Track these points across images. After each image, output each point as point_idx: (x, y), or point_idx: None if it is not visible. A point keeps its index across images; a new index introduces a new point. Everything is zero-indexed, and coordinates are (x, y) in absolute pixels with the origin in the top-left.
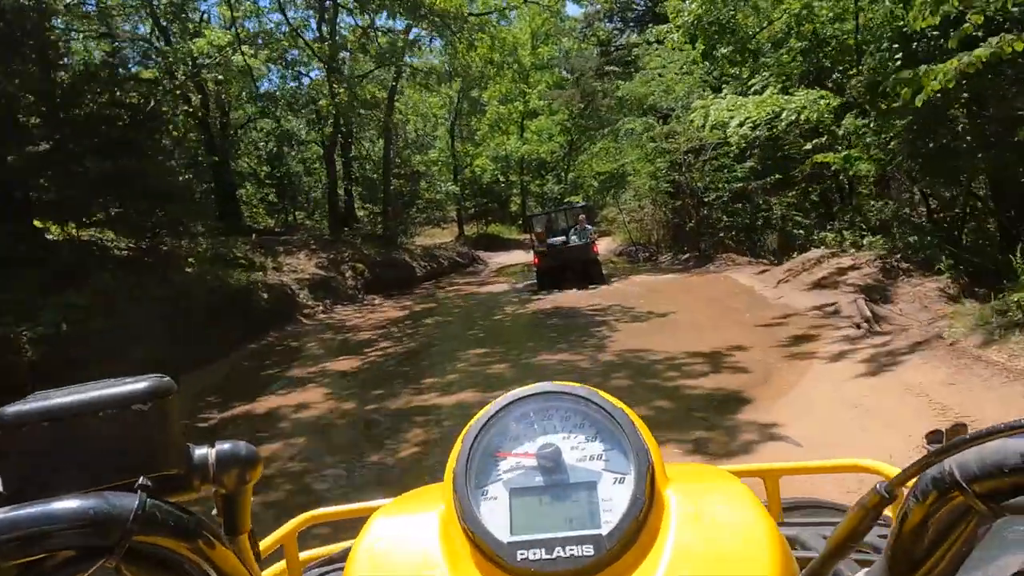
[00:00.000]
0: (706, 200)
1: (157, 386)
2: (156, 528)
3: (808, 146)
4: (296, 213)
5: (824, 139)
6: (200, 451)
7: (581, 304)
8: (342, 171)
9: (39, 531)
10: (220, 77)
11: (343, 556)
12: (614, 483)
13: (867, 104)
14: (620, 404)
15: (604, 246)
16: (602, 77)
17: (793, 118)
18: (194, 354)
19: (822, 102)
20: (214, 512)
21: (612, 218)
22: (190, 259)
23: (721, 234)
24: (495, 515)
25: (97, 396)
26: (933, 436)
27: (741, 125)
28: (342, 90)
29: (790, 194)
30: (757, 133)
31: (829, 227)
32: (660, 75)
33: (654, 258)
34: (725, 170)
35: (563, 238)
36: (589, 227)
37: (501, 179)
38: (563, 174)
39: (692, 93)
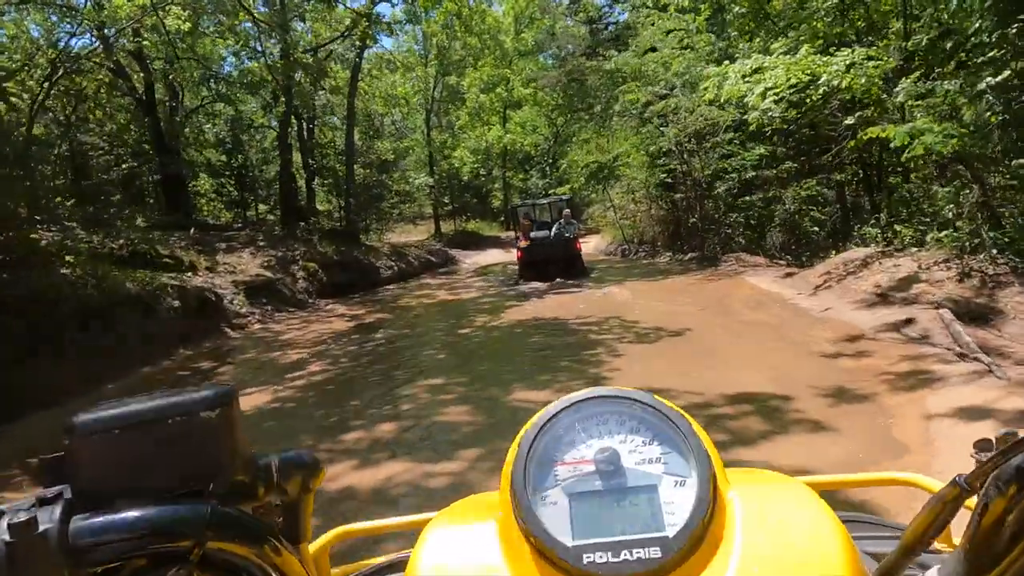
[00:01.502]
0: (712, 192)
1: (222, 393)
2: (228, 535)
3: (849, 120)
4: (259, 207)
5: (871, 111)
6: (264, 459)
7: (569, 314)
8: (300, 159)
9: (116, 538)
10: (145, 42)
11: (375, 572)
12: (675, 486)
13: (936, 64)
14: (677, 408)
15: (593, 245)
16: (592, 57)
17: (836, 83)
18: (44, 384)
19: (870, 64)
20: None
21: (600, 216)
22: (67, 256)
23: (728, 230)
24: (556, 520)
25: (167, 404)
26: (982, 444)
27: (764, 96)
28: (300, 55)
29: (808, 184)
30: (781, 108)
31: (874, 220)
32: (656, 48)
33: (651, 258)
34: (732, 157)
35: (547, 232)
36: (574, 221)
37: (481, 172)
38: (548, 168)
39: (694, 68)
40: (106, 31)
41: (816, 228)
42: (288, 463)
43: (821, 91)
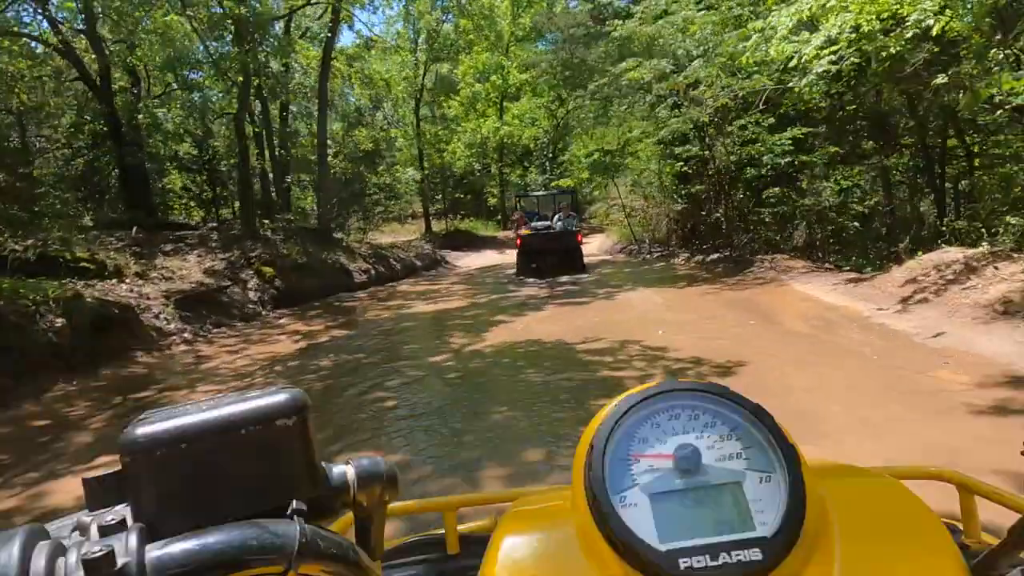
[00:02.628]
0: (739, 182)
1: (298, 398)
2: (318, 556)
3: (942, 79)
4: (234, 204)
5: (970, 66)
6: (338, 469)
7: (574, 334)
8: (266, 149)
9: (198, 567)
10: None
11: (408, 547)
12: (760, 482)
13: None
14: (754, 400)
15: (597, 244)
16: (594, 39)
17: (931, 23)
18: None
19: None
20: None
21: (604, 213)
22: None
23: (759, 227)
24: (639, 521)
25: (239, 411)
26: None
27: (820, 54)
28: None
29: (852, 171)
30: (845, 68)
31: (968, 212)
32: (668, 11)
33: (666, 259)
34: (756, 142)
35: (547, 223)
36: (574, 214)
37: (476, 166)
38: (548, 163)
39: (719, 33)
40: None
41: (856, 224)
42: (366, 474)
43: (908, 35)
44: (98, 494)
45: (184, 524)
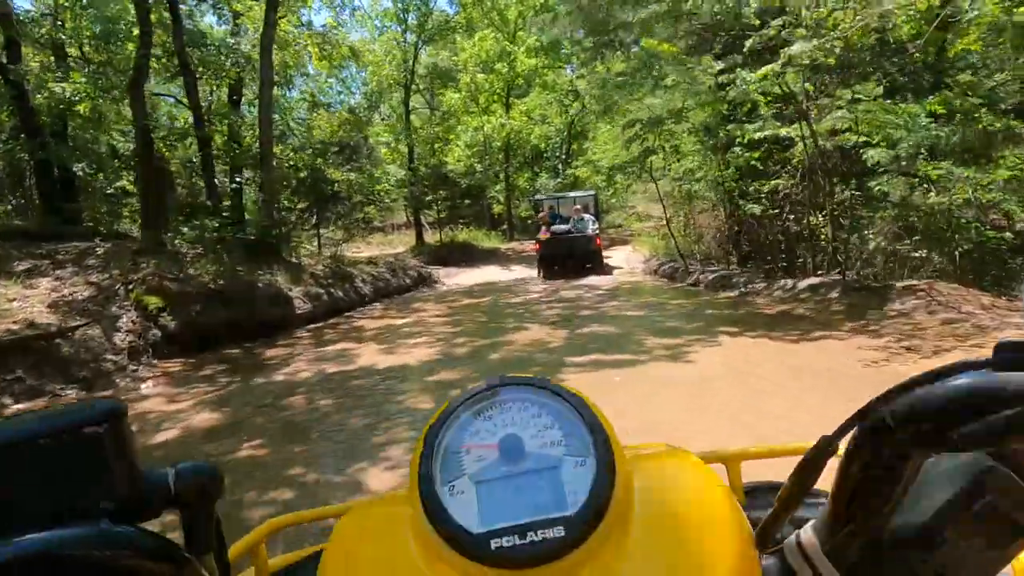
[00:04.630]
0: (850, 171)
1: (109, 408)
2: (124, 552)
3: None
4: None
5: None
6: (159, 471)
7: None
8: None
9: (1, 568)
10: None
11: (311, 559)
12: (575, 467)
13: None
14: (575, 390)
15: (623, 259)
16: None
17: None
18: None
19: None
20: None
21: (631, 220)
22: None
23: (878, 239)
24: (464, 508)
25: (45, 423)
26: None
27: None
28: None
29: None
30: None
31: None
32: None
33: (729, 283)
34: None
35: (567, 226)
36: (587, 216)
37: (478, 168)
38: (560, 166)
39: None
40: None
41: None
42: (185, 474)
43: None
44: None
45: None
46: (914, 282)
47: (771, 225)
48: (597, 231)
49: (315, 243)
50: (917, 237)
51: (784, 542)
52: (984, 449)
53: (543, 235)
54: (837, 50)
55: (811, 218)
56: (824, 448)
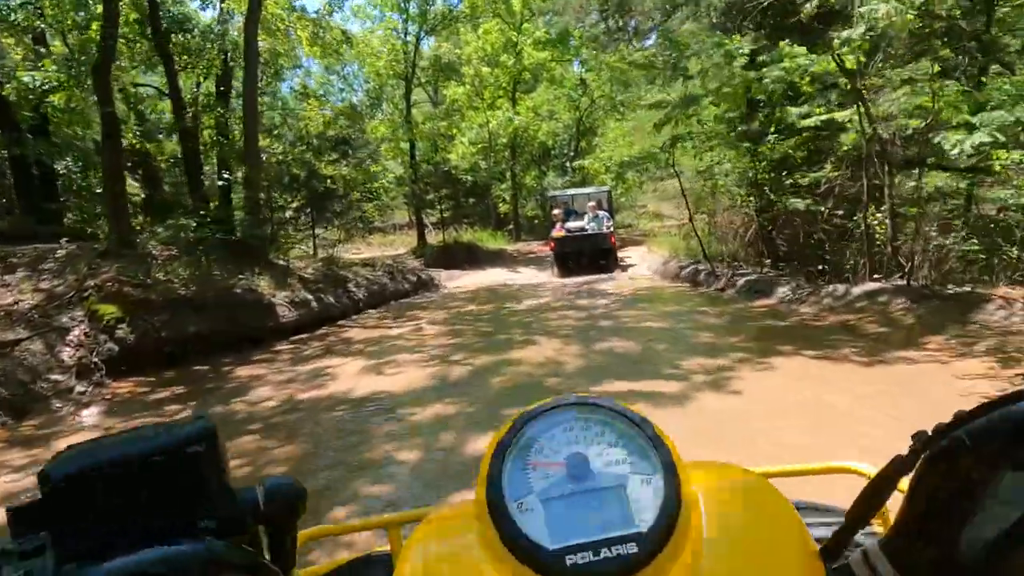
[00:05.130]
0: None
1: (206, 428)
2: (226, 570)
3: None
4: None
5: None
6: (249, 490)
7: None
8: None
9: None
10: None
11: (342, 569)
12: (642, 484)
13: None
14: (640, 411)
15: (637, 258)
16: None
17: None
18: None
19: None
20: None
21: (650, 214)
22: None
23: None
24: (534, 526)
25: (150, 443)
26: (919, 435)
27: None
28: None
29: None
30: None
31: None
32: None
33: (768, 290)
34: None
35: (582, 223)
36: (601, 213)
37: (483, 165)
38: (568, 164)
39: None
40: None
41: None
42: (273, 492)
43: None
44: (21, 523)
45: (103, 551)
46: (1008, 289)
47: (814, 222)
48: (611, 228)
49: (311, 244)
50: (987, 237)
51: (851, 557)
52: None
53: (557, 232)
54: (911, 16)
55: (866, 214)
56: (899, 467)
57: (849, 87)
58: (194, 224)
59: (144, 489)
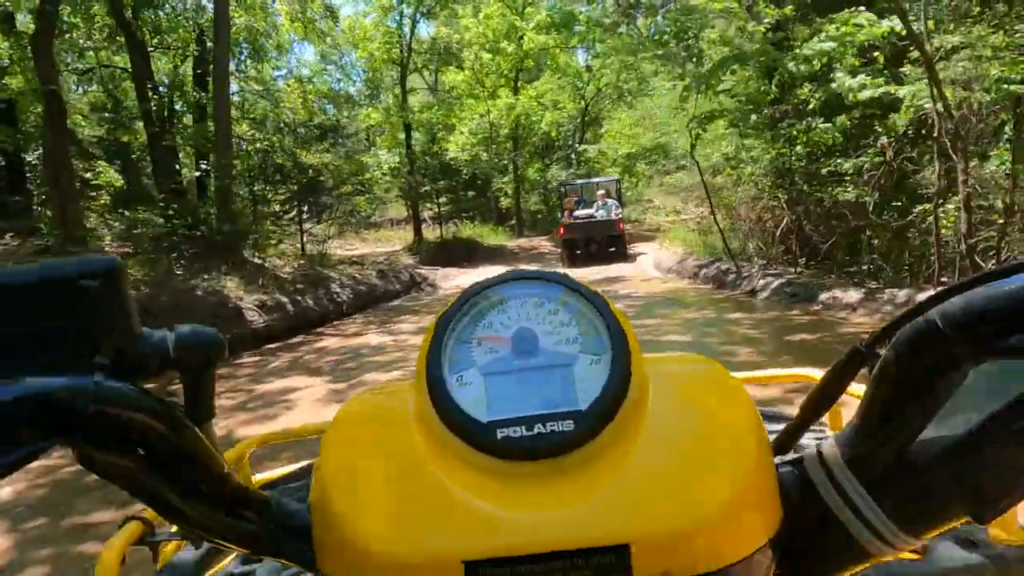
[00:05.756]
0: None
1: (105, 263)
2: (116, 407)
3: None
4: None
5: None
6: (158, 333)
7: None
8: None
9: None
10: None
11: (299, 475)
12: (590, 364)
13: None
14: (596, 291)
15: (651, 258)
16: None
17: None
18: None
19: None
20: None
21: (645, 214)
22: None
23: None
24: (472, 399)
25: (42, 273)
26: (866, 339)
27: None
28: None
29: None
30: None
31: None
32: None
33: (807, 296)
34: None
35: (590, 211)
36: (610, 201)
37: (483, 156)
38: (573, 156)
39: None
40: None
41: None
42: (185, 337)
43: None
44: None
45: None
46: None
47: (862, 215)
48: (620, 215)
49: (298, 240)
50: None
51: (804, 452)
52: None
53: (566, 219)
54: None
55: (936, 205)
56: (858, 354)
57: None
58: (157, 219)
59: (27, 320)
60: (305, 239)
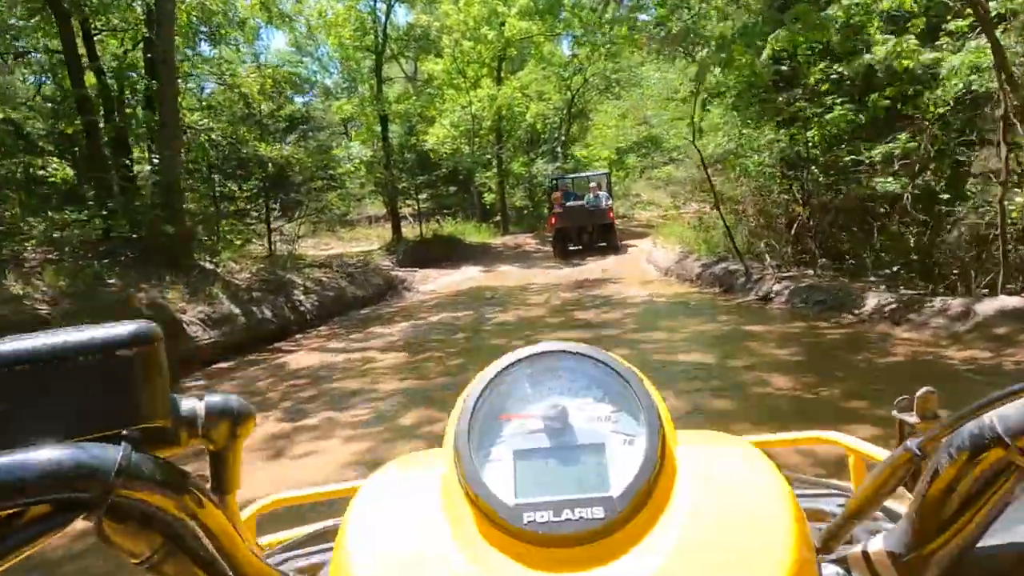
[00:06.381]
0: None
1: (143, 331)
2: (141, 482)
3: None
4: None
5: None
6: (188, 403)
7: None
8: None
9: (12, 481)
10: None
11: (309, 541)
12: (623, 444)
13: None
14: (630, 365)
15: (644, 255)
16: None
17: None
18: None
19: None
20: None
21: (634, 209)
22: None
23: None
24: (499, 478)
25: (76, 340)
26: (902, 403)
27: None
28: None
29: None
30: None
31: None
32: None
33: (836, 303)
34: None
35: (581, 202)
36: (601, 193)
37: (465, 149)
38: (560, 150)
39: None
40: None
41: None
42: (215, 408)
43: None
44: None
45: (14, 445)
46: None
47: (899, 211)
48: (610, 205)
49: (268, 241)
50: None
51: (849, 553)
52: None
53: (557, 209)
54: None
55: (1003, 198)
56: (910, 453)
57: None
58: (84, 219)
59: (68, 389)
60: (275, 239)
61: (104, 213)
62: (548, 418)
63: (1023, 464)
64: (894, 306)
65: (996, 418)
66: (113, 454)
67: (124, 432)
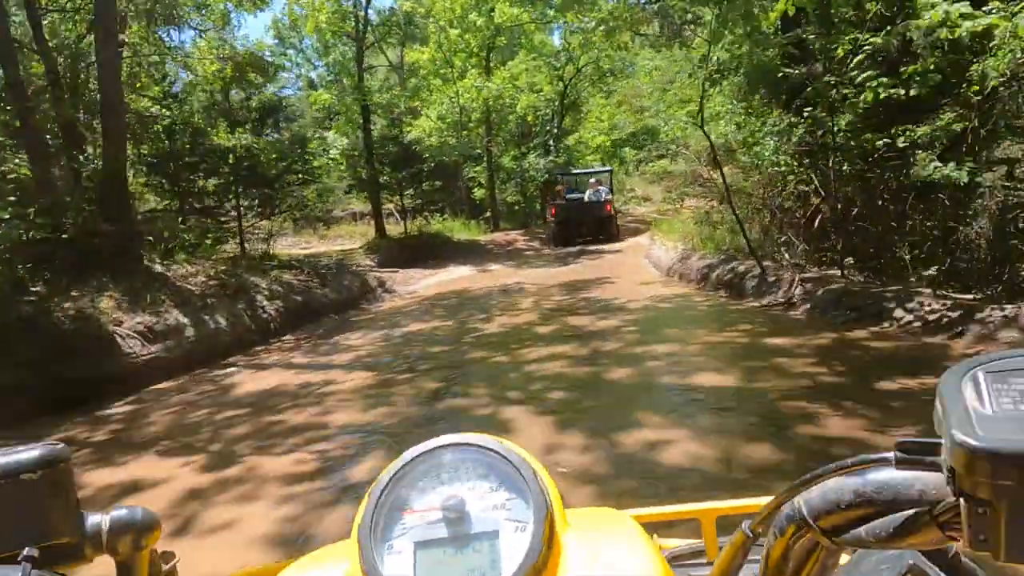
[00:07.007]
0: None
1: (49, 454)
2: None
3: None
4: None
5: None
6: (94, 518)
7: None
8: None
9: None
10: None
11: None
12: (515, 531)
13: None
14: (523, 454)
15: (644, 253)
16: None
17: None
18: None
19: None
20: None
21: (629, 204)
22: None
23: None
24: (400, 569)
25: None
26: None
27: None
28: None
29: None
30: None
31: None
32: None
33: (877, 308)
34: None
35: (580, 196)
36: (602, 188)
37: (452, 142)
38: (552, 143)
39: None
40: None
41: None
42: (119, 522)
43: None
44: None
45: None
46: None
47: (955, 205)
48: (610, 198)
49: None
50: None
51: None
52: (893, 548)
53: (558, 201)
54: None
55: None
56: (744, 535)
57: None
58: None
59: None
60: (249, 238)
61: (28, 212)
62: (447, 508)
63: (826, 544)
64: (949, 314)
65: (803, 501)
66: (11, 574)
67: (25, 552)
